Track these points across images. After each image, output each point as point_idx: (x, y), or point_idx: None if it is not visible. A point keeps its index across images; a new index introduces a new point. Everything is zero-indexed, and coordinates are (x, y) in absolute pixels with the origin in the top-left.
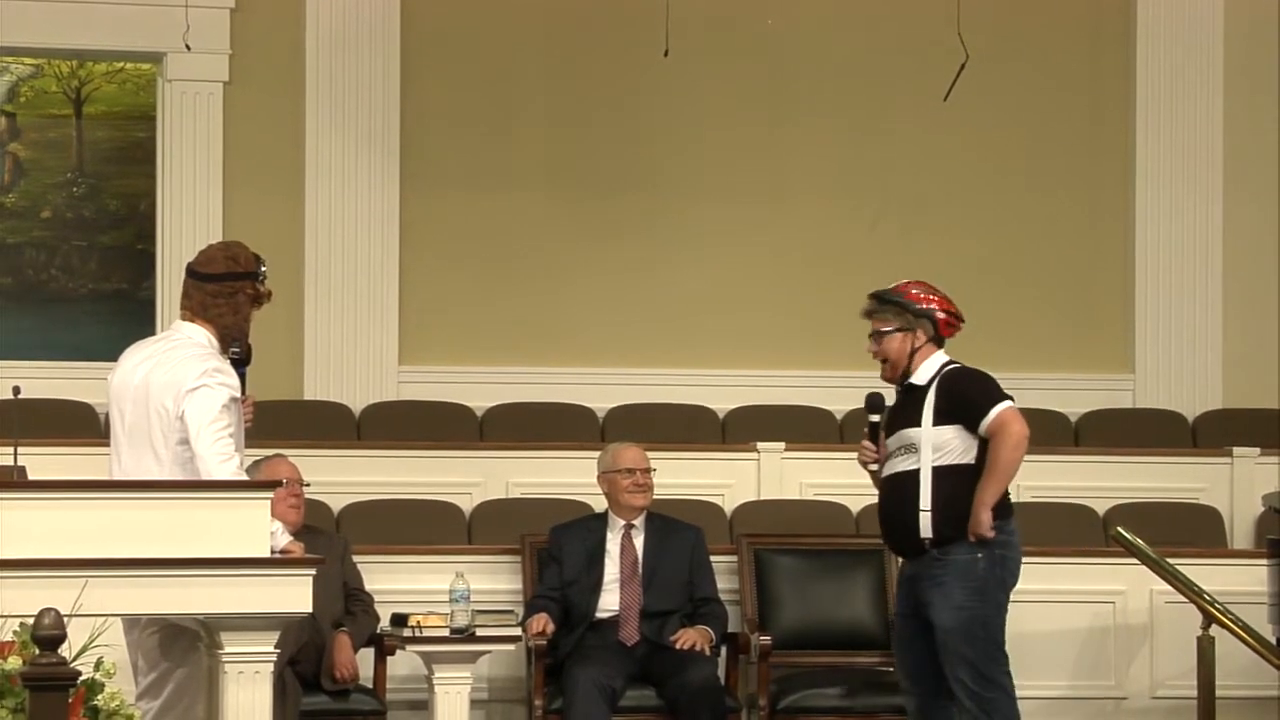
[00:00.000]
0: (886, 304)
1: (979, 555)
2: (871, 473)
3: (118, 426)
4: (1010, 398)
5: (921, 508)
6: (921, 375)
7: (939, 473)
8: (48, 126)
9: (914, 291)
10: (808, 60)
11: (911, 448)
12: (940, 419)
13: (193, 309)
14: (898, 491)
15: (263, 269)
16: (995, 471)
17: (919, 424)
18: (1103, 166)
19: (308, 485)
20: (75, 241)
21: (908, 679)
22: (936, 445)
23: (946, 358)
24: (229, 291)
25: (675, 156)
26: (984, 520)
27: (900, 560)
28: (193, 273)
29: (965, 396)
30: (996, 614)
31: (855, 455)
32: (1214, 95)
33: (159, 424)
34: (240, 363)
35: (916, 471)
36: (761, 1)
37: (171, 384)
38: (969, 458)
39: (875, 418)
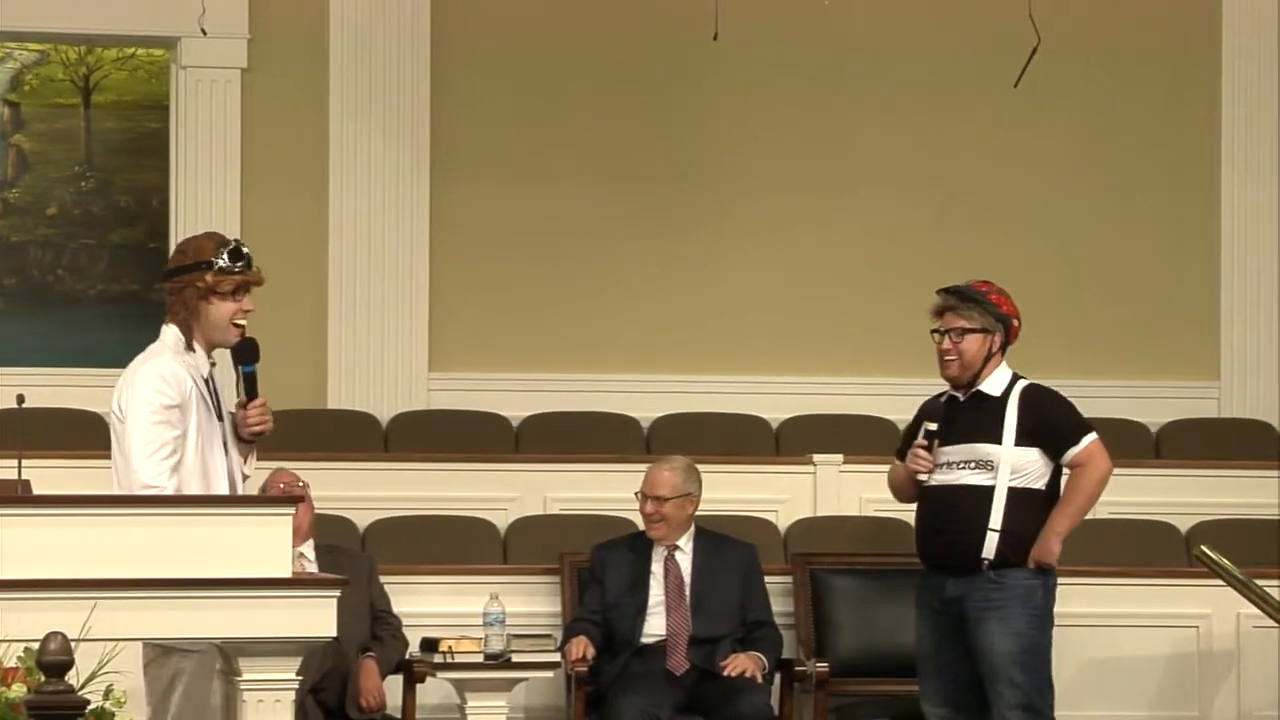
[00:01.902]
0: (972, 301)
1: (1038, 582)
2: (920, 482)
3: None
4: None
5: (990, 527)
6: (993, 385)
7: (1013, 494)
8: (54, 117)
9: (994, 294)
10: (867, 43)
11: (986, 464)
12: (1024, 440)
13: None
14: (958, 505)
15: (219, 261)
16: (1076, 504)
17: (997, 440)
18: (1186, 159)
19: (305, 485)
20: (83, 240)
21: (946, 705)
22: (1016, 467)
23: (1010, 370)
24: (178, 287)
25: (725, 147)
26: (1056, 550)
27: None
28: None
29: (1055, 422)
30: (1049, 644)
31: (909, 461)
32: None
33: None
34: (243, 361)
35: (989, 489)
36: None
37: (118, 389)
38: (1042, 483)
39: (933, 426)
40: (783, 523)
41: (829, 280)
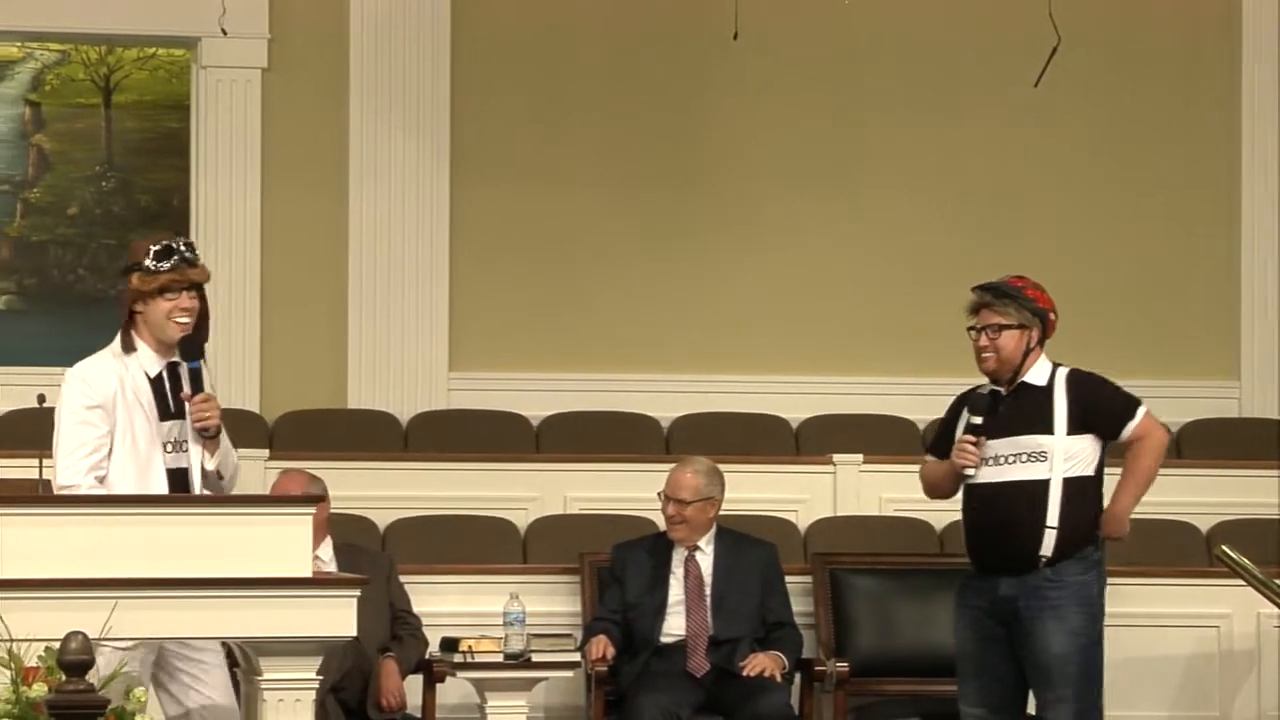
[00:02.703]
0: (1007, 298)
1: (1092, 577)
2: (968, 478)
3: None
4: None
5: (1048, 524)
6: (1036, 376)
7: (1069, 485)
8: (75, 117)
9: (1030, 290)
10: (886, 42)
11: (1038, 455)
12: (1075, 427)
13: None
14: (1013, 503)
15: (147, 263)
16: (1140, 478)
17: (1049, 430)
18: (1205, 158)
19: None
20: (104, 240)
21: (984, 706)
22: (1069, 455)
23: (1049, 360)
24: (121, 290)
25: (743, 147)
26: (1127, 525)
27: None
28: None
29: (1105, 404)
30: (1101, 643)
31: (956, 462)
32: None
33: None
34: (185, 358)
35: (1044, 482)
36: None
37: None
38: (1092, 469)
39: (979, 420)
40: (803, 522)
41: (848, 280)
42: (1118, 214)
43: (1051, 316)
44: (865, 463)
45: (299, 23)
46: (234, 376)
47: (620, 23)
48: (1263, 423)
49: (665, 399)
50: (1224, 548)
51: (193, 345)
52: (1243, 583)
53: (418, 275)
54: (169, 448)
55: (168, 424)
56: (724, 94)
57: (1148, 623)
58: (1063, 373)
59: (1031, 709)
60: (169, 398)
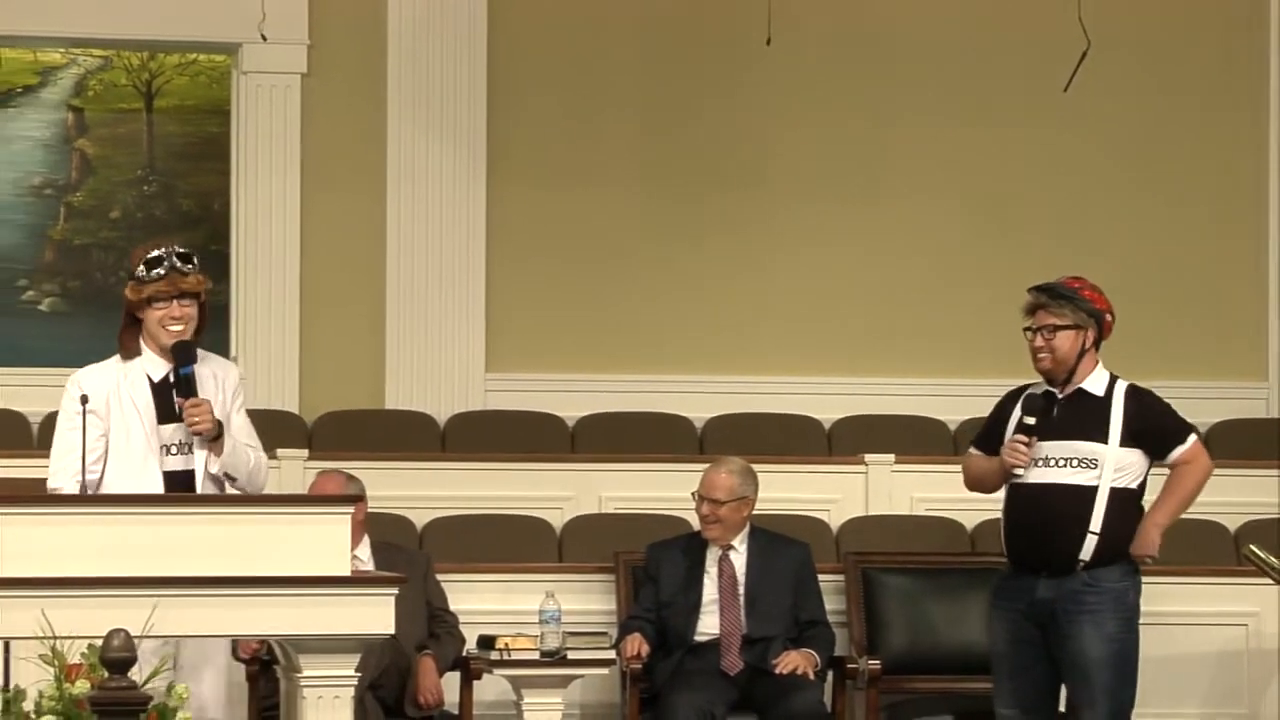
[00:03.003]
0: (1062, 298)
1: (1129, 583)
2: (1016, 477)
3: None
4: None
5: (1091, 529)
6: (1095, 384)
7: (1114, 495)
8: (117, 121)
9: (1087, 290)
10: (916, 48)
11: (1090, 462)
12: (1129, 440)
13: None
14: (1058, 504)
15: (138, 272)
16: (1179, 500)
17: (1103, 439)
18: (1235, 162)
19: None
20: (145, 243)
21: (1018, 706)
22: (1119, 466)
23: (1107, 370)
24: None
25: (776, 151)
26: (1157, 542)
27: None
28: None
29: (1161, 423)
30: (1137, 644)
31: (1007, 461)
32: None
33: None
34: (175, 364)
35: (1091, 489)
36: None
37: None
38: (1137, 483)
39: (1031, 420)
40: (835, 522)
41: (879, 282)
42: (1147, 217)
43: (1108, 318)
44: (897, 463)
45: (338, 29)
46: (273, 378)
47: (654, 28)
48: None
49: (699, 399)
50: (1252, 547)
51: (184, 351)
52: (1270, 582)
53: (455, 277)
54: (172, 450)
55: (169, 427)
56: (758, 98)
57: (1176, 620)
58: (1122, 385)
59: (1062, 707)
60: (172, 402)
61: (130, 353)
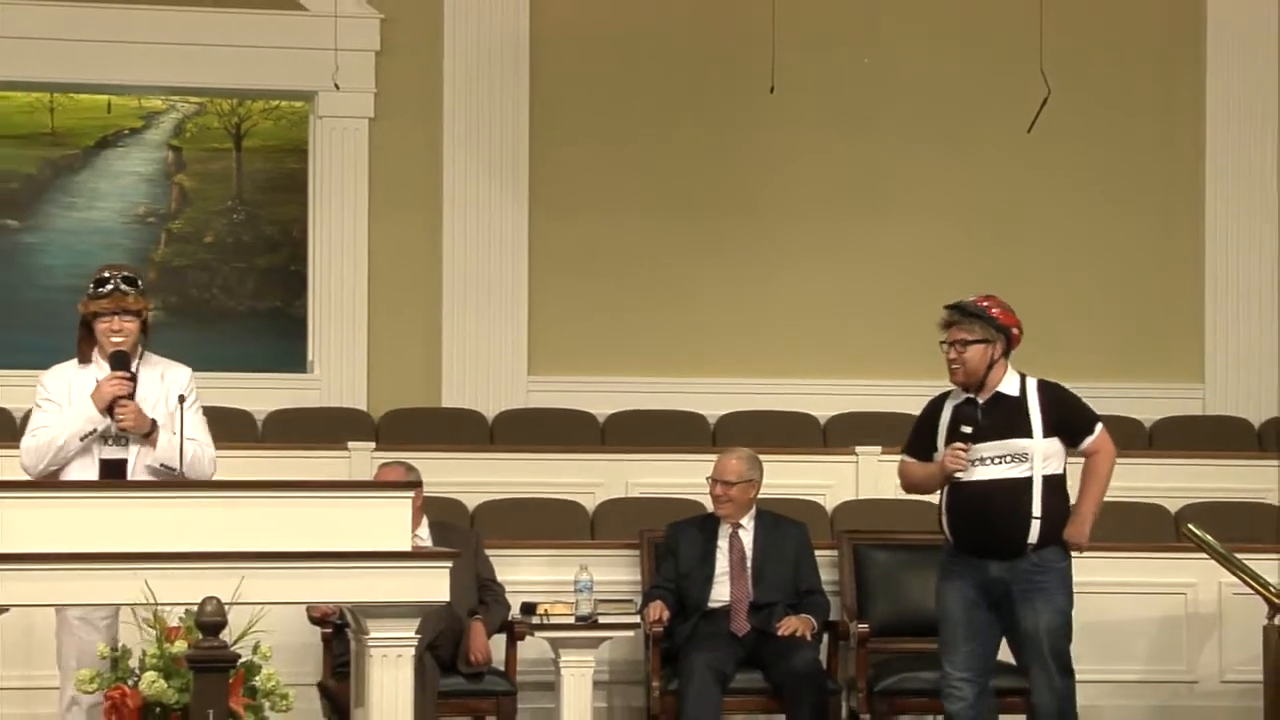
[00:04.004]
0: (972, 317)
1: (1067, 562)
2: (955, 481)
3: None
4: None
5: (1034, 515)
6: (1008, 386)
7: (1046, 482)
8: (210, 159)
9: (995, 309)
10: (902, 95)
11: (1022, 456)
12: (1050, 430)
13: None
14: (1000, 498)
15: (89, 289)
16: (1099, 486)
17: (1028, 434)
18: (1176, 194)
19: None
20: (234, 264)
21: (970, 669)
22: (1046, 455)
23: (1016, 371)
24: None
25: (779, 182)
26: (1087, 533)
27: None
28: None
29: (1073, 414)
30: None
31: (947, 467)
32: (1272, 125)
33: None
34: (113, 368)
35: (1027, 480)
36: (859, 41)
37: None
38: (1060, 468)
39: (969, 429)
40: (829, 504)
41: (868, 296)
42: (1099, 238)
43: (1015, 332)
44: (883, 454)
45: (400, 79)
46: (344, 380)
47: (674, 77)
48: (1223, 420)
49: (712, 399)
50: (1190, 526)
51: (121, 360)
52: (1206, 556)
53: (501, 292)
54: (109, 441)
55: (107, 420)
56: (763, 136)
57: (1125, 590)
58: (1032, 382)
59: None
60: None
61: (85, 358)
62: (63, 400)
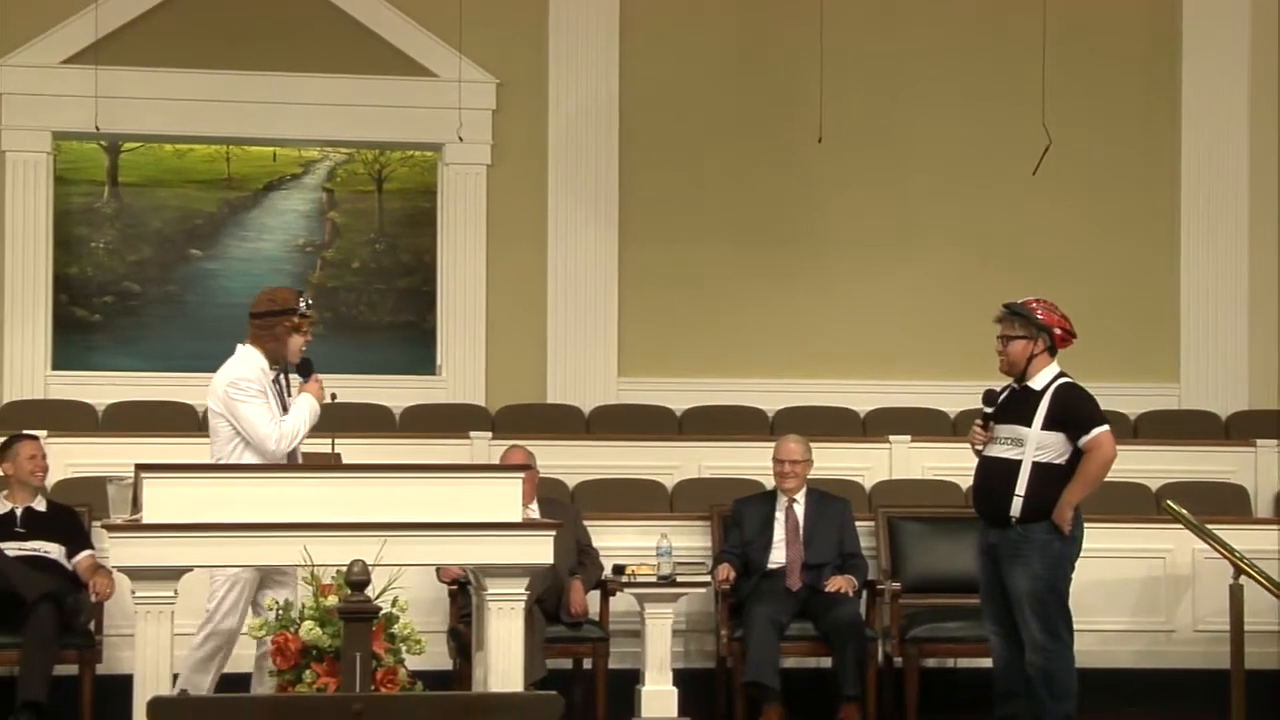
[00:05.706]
0: (1015, 315)
1: (1054, 536)
2: (977, 452)
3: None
4: (1108, 422)
5: (1016, 492)
6: (1038, 381)
7: (1036, 467)
8: (357, 199)
9: (1038, 308)
10: (928, 144)
11: (1020, 441)
12: (1050, 424)
13: (248, 337)
14: (997, 473)
15: (301, 304)
16: (1083, 480)
17: (1028, 424)
18: (1155, 225)
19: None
20: (377, 285)
21: (993, 621)
22: (1039, 445)
23: (1059, 369)
24: (269, 325)
25: (826, 215)
26: (1066, 517)
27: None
28: (249, 312)
29: (1076, 412)
30: (1064, 584)
31: (968, 440)
32: (1243, 166)
33: (211, 411)
34: (304, 372)
35: (1017, 462)
36: (893, 101)
37: (213, 388)
38: (1062, 460)
39: (989, 410)
40: (868, 484)
41: (900, 310)
42: (1091, 261)
43: (1058, 331)
44: (913, 442)
45: (513, 133)
46: (466, 381)
47: (738, 129)
48: (1196, 413)
49: (770, 396)
50: (1169, 502)
51: (307, 362)
52: (1182, 527)
53: (595, 307)
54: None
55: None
56: (814, 177)
57: (1113, 555)
58: (1056, 382)
59: None
60: (283, 389)
61: (277, 359)
62: (267, 393)
